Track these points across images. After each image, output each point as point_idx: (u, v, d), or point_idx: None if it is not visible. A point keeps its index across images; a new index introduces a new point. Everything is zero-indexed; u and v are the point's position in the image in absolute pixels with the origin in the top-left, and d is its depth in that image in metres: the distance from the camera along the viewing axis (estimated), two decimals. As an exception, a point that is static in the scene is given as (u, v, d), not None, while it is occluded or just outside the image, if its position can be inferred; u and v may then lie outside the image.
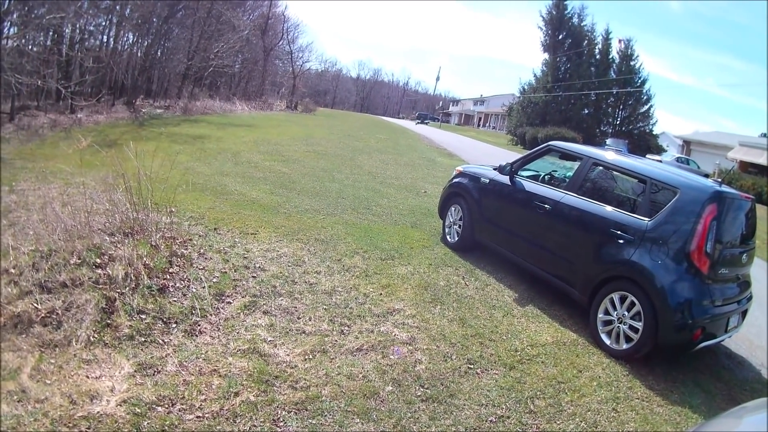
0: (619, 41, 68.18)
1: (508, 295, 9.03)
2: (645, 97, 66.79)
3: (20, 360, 5.90)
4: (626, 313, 7.47)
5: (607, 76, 66.24)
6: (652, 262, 7.37)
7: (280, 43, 77.33)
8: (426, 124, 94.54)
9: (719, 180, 8.13)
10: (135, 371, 5.81)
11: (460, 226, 10.79)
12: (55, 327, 6.46)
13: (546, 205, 8.94)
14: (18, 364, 5.83)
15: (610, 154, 9.01)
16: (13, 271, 7.41)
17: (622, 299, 7.58)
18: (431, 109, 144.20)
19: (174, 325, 6.76)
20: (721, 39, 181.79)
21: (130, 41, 43.21)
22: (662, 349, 7.31)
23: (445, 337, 7.27)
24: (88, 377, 5.70)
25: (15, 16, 26.98)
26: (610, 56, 68.18)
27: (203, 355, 6.21)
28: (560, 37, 68.84)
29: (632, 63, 66.97)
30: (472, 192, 10.59)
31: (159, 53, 45.49)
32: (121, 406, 5.21)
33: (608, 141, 51.36)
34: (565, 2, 69.17)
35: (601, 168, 9.05)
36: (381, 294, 8.29)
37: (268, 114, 52.94)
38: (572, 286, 8.40)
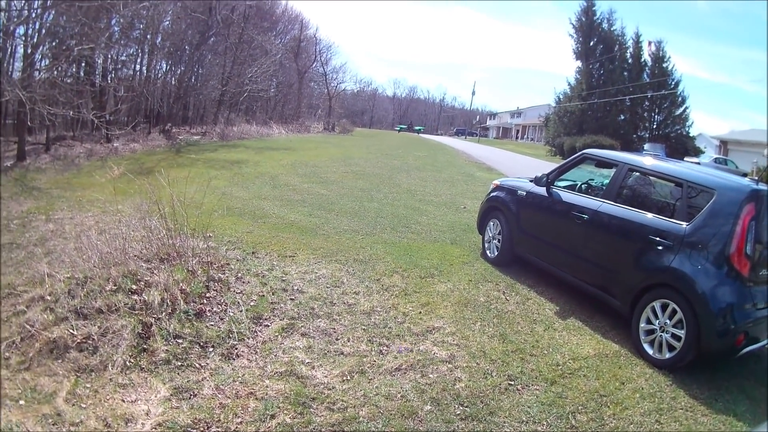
0: (650, 43, 67.45)
1: (549, 309, 8.88)
2: (680, 99, 65.74)
3: (56, 384, 6.01)
4: (668, 321, 7.26)
5: (640, 80, 65.15)
6: (692, 268, 7.17)
7: (314, 65, 77.88)
8: (465, 138, 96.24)
9: (756, 178, 7.93)
10: (171, 395, 5.86)
11: (499, 241, 10.66)
12: (91, 352, 6.56)
13: (584, 215, 8.78)
14: (54, 388, 5.94)
15: (647, 159, 8.88)
16: (48, 298, 7.55)
17: (664, 307, 7.37)
18: (469, 124, 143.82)
19: (211, 349, 6.80)
20: (749, 34, 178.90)
21: (164, 69, 43.77)
22: (705, 357, 7.11)
23: (485, 353, 7.16)
24: (123, 401, 5.77)
25: (45, 48, 27.40)
26: (642, 59, 67.18)
27: (240, 378, 6.23)
28: (591, 43, 68.07)
29: (664, 65, 65.71)
30: (509, 205, 10.47)
31: (193, 80, 45.94)
32: (156, 429, 5.27)
33: (646, 146, 49.97)
34: (594, 8, 68.72)
35: (636, 174, 8.93)
36: (420, 312, 8.21)
37: (306, 136, 53.27)
38: (613, 296, 8.22)
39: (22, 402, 5.76)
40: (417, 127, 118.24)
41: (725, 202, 7.24)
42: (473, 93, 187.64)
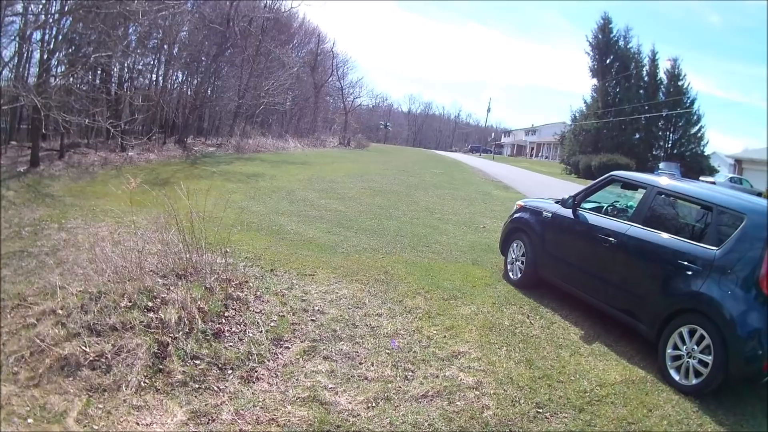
0: (667, 60, 67.38)
1: (574, 333, 8.71)
2: (695, 118, 65.66)
3: (66, 403, 5.86)
4: (696, 347, 7.14)
5: (656, 98, 65.01)
6: (721, 293, 7.05)
7: (330, 79, 77.94)
8: (479, 155, 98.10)
9: None
10: (188, 419, 5.71)
11: (522, 263, 10.53)
12: (104, 371, 6.40)
13: (611, 238, 8.63)
14: (64, 407, 5.79)
15: (677, 182, 8.81)
16: (60, 312, 7.41)
17: (692, 332, 7.25)
18: (483, 141, 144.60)
19: (230, 372, 6.64)
20: (761, 50, 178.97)
21: (180, 80, 43.82)
22: (732, 382, 7.01)
23: (513, 380, 6.98)
24: (138, 424, 5.63)
25: (62, 54, 27.41)
26: (658, 78, 67.17)
27: (261, 403, 6.06)
28: (608, 61, 68.05)
29: (680, 83, 65.70)
30: (534, 227, 10.34)
31: (209, 91, 45.93)
32: (173, 456, 5.06)
33: (661, 165, 50.57)
34: (611, 25, 68.65)
35: (666, 197, 8.78)
36: (445, 336, 8.03)
37: (321, 150, 53.58)
38: (640, 321, 8.07)
39: (30, 420, 5.62)
40: None
41: (755, 226, 7.16)
42: (488, 110, 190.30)
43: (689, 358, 7.18)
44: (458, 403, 6.36)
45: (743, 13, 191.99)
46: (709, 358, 6.92)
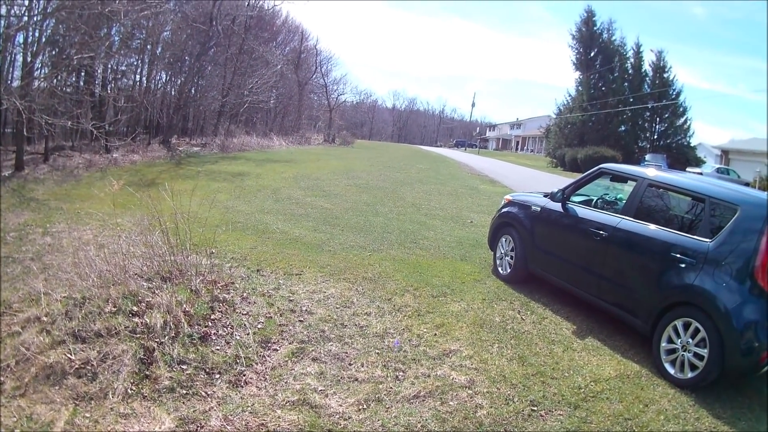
0: (651, 51, 67.73)
1: (566, 328, 8.62)
2: (681, 109, 65.92)
3: (53, 413, 5.75)
4: (690, 340, 7.08)
5: (641, 90, 65.47)
6: (715, 285, 6.99)
7: (314, 76, 77.89)
8: (465, 150, 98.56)
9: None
10: (176, 426, 5.60)
11: (512, 257, 10.45)
12: (90, 379, 6.29)
13: (602, 232, 8.57)
14: (51, 417, 5.69)
15: (668, 174, 8.73)
16: (45, 319, 7.27)
17: (686, 326, 7.19)
18: (468, 135, 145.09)
19: (217, 376, 6.54)
20: (746, 41, 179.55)
21: (164, 80, 43.61)
22: (728, 375, 6.94)
23: (506, 378, 6.89)
24: None
25: (45, 56, 27.24)
26: (643, 70, 67.57)
27: (249, 408, 5.96)
28: (591, 54, 68.37)
29: (665, 75, 66.16)
30: (523, 221, 10.27)
31: (193, 91, 45.75)
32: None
33: (647, 157, 50.32)
34: (594, 18, 68.83)
35: (657, 189, 8.69)
36: (435, 334, 7.94)
37: (306, 148, 53.45)
38: (634, 315, 8.01)
39: (17, 431, 5.47)
40: None
41: (749, 217, 7.11)
42: (473, 104, 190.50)
43: (684, 351, 7.13)
44: (451, 402, 6.27)
45: (728, 5, 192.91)
46: (704, 351, 6.87)
